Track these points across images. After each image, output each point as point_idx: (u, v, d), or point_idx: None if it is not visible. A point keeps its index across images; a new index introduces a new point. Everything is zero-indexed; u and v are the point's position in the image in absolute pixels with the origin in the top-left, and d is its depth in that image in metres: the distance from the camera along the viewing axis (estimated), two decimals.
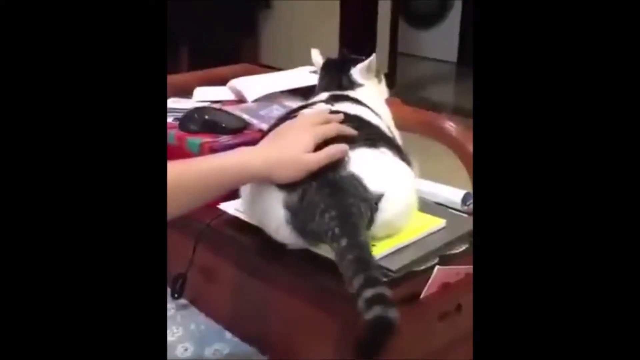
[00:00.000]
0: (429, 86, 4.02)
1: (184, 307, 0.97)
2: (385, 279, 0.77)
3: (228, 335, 0.91)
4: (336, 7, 3.44)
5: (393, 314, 0.68)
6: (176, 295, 0.95)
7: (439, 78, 4.34)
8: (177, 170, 0.73)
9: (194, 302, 0.97)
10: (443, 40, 4.48)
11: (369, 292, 0.68)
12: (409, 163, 0.87)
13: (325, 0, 3.43)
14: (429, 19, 4.57)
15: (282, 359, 0.85)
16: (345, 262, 0.72)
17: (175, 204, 0.72)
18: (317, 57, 1.04)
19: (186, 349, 0.88)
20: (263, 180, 0.80)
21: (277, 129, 0.86)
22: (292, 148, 0.79)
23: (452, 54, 4.48)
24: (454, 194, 0.97)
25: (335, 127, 0.84)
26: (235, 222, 0.90)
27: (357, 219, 0.76)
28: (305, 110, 0.92)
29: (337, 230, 0.74)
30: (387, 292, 0.69)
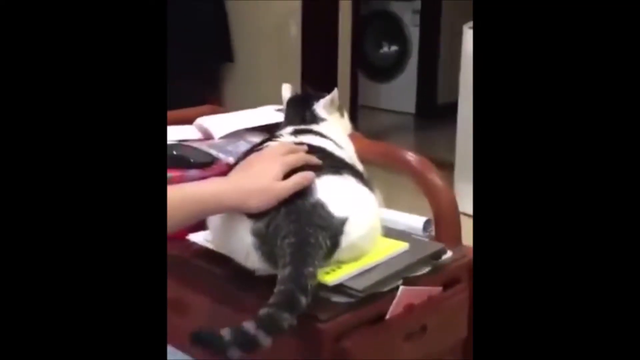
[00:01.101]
0: (389, 137, 4.11)
1: None
2: (351, 300, 0.80)
3: None
4: (298, 61, 3.53)
5: None
6: None
7: (398, 129, 4.45)
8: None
9: None
10: (401, 93, 4.61)
11: (249, 325, 0.71)
12: (371, 189, 0.91)
13: (287, 54, 3.52)
14: (387, 73, 4.71)
15: None
16: (276, 289, 0.74)
17: None
18: (286, 92, 1.08)
19: None
20: (235, 210, 0.83)
21: (247, 160, 0.89)
22: (263, 177, 0.82)
23: (410, 106, 4.61)
24: (415, 221, 1.01)
25: (301, 156, 0.88)
26: (204, 252, 0.92)
27: (311, 249, 0.78)
28: (271, 143, 0.96)
29: (287, 257, 0.77)
30: (265, 341, 0.71)
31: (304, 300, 0.74)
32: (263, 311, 0.73)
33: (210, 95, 3.47)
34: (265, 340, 0.71)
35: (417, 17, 4.51)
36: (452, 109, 2.92)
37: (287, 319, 0.72)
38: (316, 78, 3.76)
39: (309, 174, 0.84)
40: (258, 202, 0.81)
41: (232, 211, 0.83)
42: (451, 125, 2.87)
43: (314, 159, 0.88)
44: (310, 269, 0.76)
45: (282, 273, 0.76)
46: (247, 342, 0.71)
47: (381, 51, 4.79)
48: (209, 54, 3.57)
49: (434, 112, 4.45)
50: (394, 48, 4.72)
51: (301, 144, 0.93)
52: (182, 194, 0.80)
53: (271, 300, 0.74)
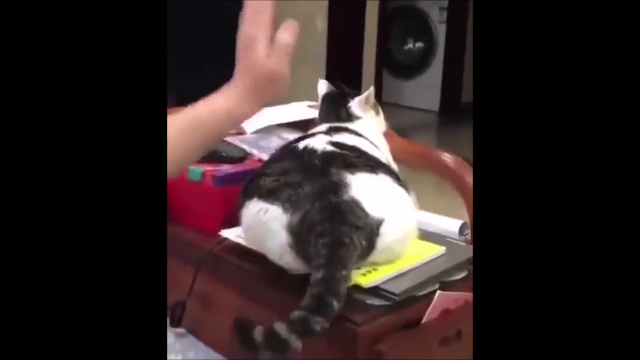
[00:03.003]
0: (412, 135, 4.10)
1: (182, 335, 0.96)
2: (387, 303, 0.79)
3: None
4: (323, 55, 3.52)
5: None
6: (175, 324, 0.95)
7: (421, 127, 4.43)
8: (176, 122, 0.73)
9: (192, 330, 0.97)
10: (425, 91, 4.59)
11: (280, 327, 0.71)
12: (407, 190, 0.89)
13: (312, 50, 3.51)
14: (411, 70, 4.69)
15: None
16: (308, 292, 0.73)
17: (181, 152, 0.73)
18: (322, 88, 1.07)
19: None
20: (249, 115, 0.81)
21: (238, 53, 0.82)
22: (261, 68, 0.78)
23: (434, 104, 4.58)
24: (451, 224, 0.99)
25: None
26: (236, 248, 0.91)
27: (345, 251, 0.76)
28: (306, 140, 0.94)
29: (322, 259, 0.75)
30: (295, 342, 0.70)
31: (336, 304, 0.73)
32: (295, 314, 0.72)
33: None
34: (296, 343, 0.71)
35: (444, 14, 4.47)
36: None
37: (320, 322, 0.71)
38: (341, 73, 3.75)
39: (290, 28, 0.80)
40: (268, 97, 0.79)
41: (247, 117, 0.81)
42: None
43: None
44: (344, 272, 0.75)
45: (315, 276, 0.74)
46: (278, 345, 0.71)
47: (405, 48, 4.76)
48: (234, 46, 3.57)
49: (458, 110, 4.42)
50: (419, 45, 4.69)
51: (336, 143, 0.92)
52: (189, 118, 0.76)
53: (303, 303, 0.72)
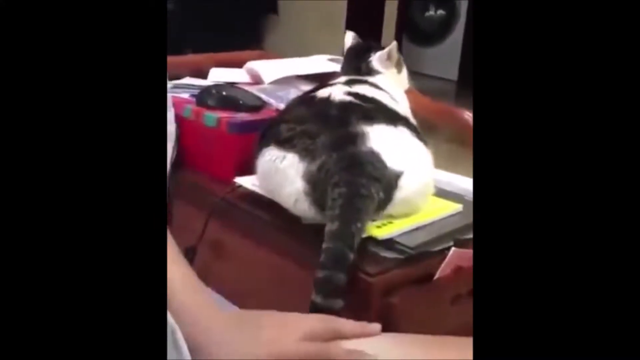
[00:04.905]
0: None
1: None
2: (401, 257, 0.78)
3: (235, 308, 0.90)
4: (342, 18, 3.47)
5: None
6: None
7: (439, 95, 4.34)
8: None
9: (202, 276, 0.96)
10: (445, 59, 4.52)
11: (317, 298, 0.70)
12: (425, 144, 0.87)
13: (332, 12, 3.46)
14: (431, 38, 4.61)
15: None
16: (324, 246, 0.72)
17: None
18: (348, 40, 1.05)
19: None
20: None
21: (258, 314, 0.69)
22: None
23: (453, 73, 4.52)
24: (469, 183, 0.97)
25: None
26: (250, 196, 0.90)
27: (362, 203, 0.75)
28: (323, 89, 0.92)
29: (337, 210, 0.74)
30: (336, 304, 0.70)
31: (352, 256, 0.72)
32: (317, 277, 0.71)
33: (252, 46, 3.45)
34: (337, 304, 0.70)
35: None
36: None
37: (342, 279, 0.71)
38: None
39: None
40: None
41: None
42: None
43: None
44: (359, 225, 0.73)
45: (330, 227, 0.73)
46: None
47: (427, 15, 4.68)
48: (253, 5, 3.53)
49: None
50: (440, 12, 4.61)
51: (355, 93, 0.90)
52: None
53: (321, 260, 0.71)
